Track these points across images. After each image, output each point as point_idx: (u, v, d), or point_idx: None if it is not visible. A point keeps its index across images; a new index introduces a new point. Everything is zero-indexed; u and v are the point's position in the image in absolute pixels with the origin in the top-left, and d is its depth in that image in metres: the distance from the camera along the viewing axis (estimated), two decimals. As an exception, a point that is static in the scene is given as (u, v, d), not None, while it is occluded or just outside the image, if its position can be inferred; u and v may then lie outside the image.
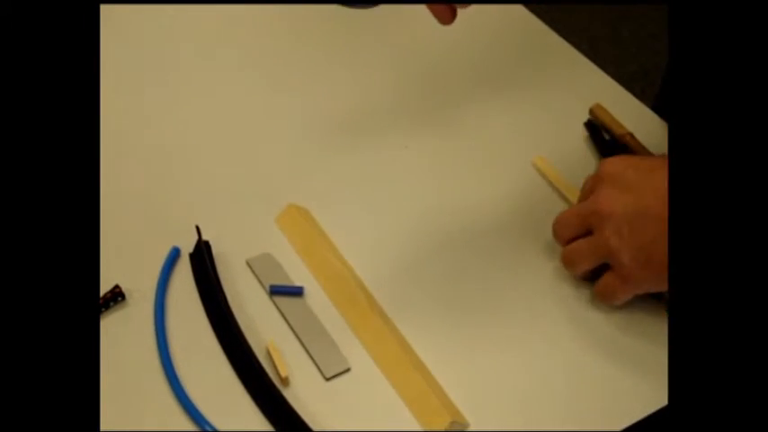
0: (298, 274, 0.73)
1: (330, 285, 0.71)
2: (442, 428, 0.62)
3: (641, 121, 0.87)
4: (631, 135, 0.85)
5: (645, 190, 0.63)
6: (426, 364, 0.67)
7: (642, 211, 0.63)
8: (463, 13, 1.03)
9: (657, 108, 0.92)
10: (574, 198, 0.77)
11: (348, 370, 0.66)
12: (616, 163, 0.67)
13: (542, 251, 0.74)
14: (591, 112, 0.88)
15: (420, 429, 0.63)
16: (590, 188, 0.69)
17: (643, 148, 0.84)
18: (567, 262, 0.70)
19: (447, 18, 0.70)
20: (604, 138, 0.85)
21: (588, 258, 0.67)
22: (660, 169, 0.63)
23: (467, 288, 0.72)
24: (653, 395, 0.64)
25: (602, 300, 0.68)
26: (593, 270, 0.68)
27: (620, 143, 0.84)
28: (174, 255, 0.73)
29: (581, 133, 0.87)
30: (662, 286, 0.65)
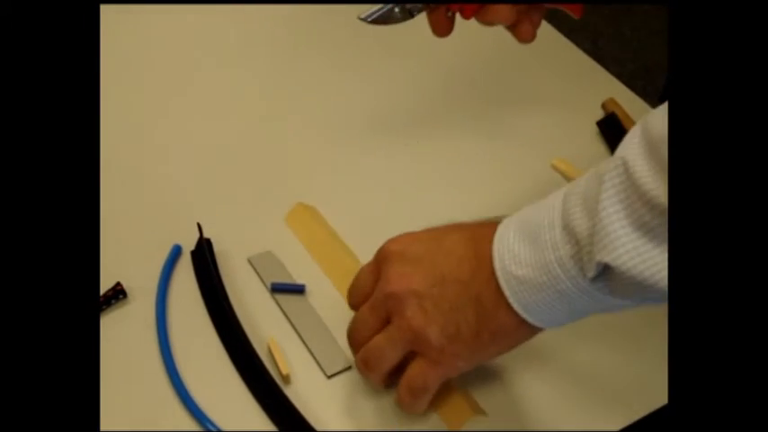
0: (299, 271, 0.73)
1: (341, 282, 0.70)
2: (465, 423, 0.61)
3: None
4: None
5: (436, 257, 0.58)
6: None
7: (440, 280, 0.57)
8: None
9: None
10: None
11: (350, 368, 0.66)
12: (396, 241, 0.61)
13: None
14: (603, 106, 0.89)
15: (419, 430, 0.63)
16: (369, 281, 0.62)
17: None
18: (368, 366, 0.61)
19: (444, 29, 0.71)
20: (619, 134, 0.85)
21: (391, 351, 0.59)
22: (445, 235, 0.60)
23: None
24: (653, 395, 0.64)
25: (411, 398, 0.60)
26: (393, 370, 0.61)
27: None
28: (176, 252, 0.73)
29: (592, 132, 0.87)
30: (474, 362, 0.60)
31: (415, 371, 0.59)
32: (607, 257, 0.50)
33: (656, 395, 0.63)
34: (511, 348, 0.59)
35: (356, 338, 0.62)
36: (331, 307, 0.70)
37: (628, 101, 0.90)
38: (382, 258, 0.61)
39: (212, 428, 0.62)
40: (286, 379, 0.65)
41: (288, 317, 0.70)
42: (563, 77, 0.91)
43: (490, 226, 0.58)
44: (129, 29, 0.98)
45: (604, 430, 0.63)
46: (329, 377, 0.66)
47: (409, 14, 0.69)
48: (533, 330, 0.57)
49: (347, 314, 0.70)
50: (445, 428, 0.63)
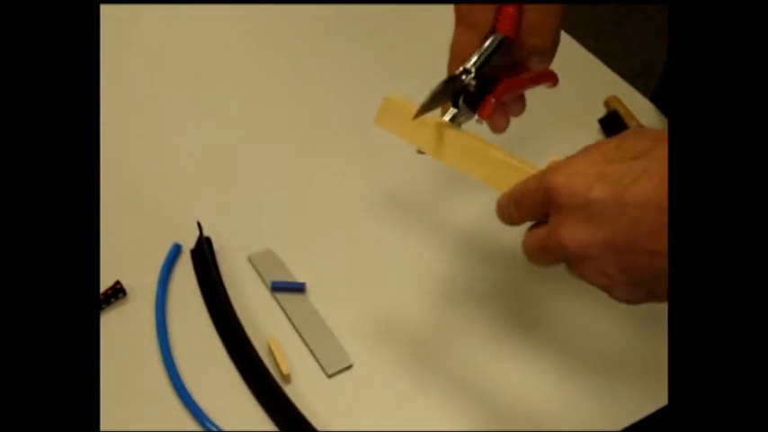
0: (300, 270, 0.73)
1: (486, 173, 0.62)
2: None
3: (645, 117, 0.87)
4: (643, 128, 0.85)
5: (620, 220, 0.49)
6: (438, 373, 0.67)
7: (628, 248, 0.50)
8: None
9: (654, 101, 0.92)
10: None
11: (350, 367, 0.66)
12: (567, 185, 0.52)
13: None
14: (605, 103, 0.89)
15: (419, 430, 0.63)
16: (536, 211, 0.55)
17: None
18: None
19: (502, 127, 0.68)
20: (620, 131, 0.85)
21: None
22: (627, 185, 0.49)
23: (480, 288, 0.72)
24: (653, 395, 0.63)
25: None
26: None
27: None
28: (176, 251, 0.73)
29: (594, 129, 0.87)
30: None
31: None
32: None
33: (656, 396, 0.63)
34: None
35: (532, 261, 0.56)
36: (332, 306, 0.70)
37: (630, 98, 0.90)
38: (551, 201, 0.52)
39: (212, 428, 0.62)
40: (286, 378, 0.65)
41: (288, 316, 0.69)
42: (565, 74, 0.91)
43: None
44: (129, 29, 0.98)
45: (605, 430, 0.63)
46: (329, 376, 0.66)
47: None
48: None
49: (347, 313, 0.70)
50: (448, 420, 0.63)
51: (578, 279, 0.53)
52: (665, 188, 0.47)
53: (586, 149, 0.53)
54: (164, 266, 0.72)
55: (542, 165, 0.80)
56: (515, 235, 0.77)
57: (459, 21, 0.67)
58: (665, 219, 0.47)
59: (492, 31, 0.65)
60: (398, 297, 0.72)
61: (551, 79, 0.72)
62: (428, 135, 0.63)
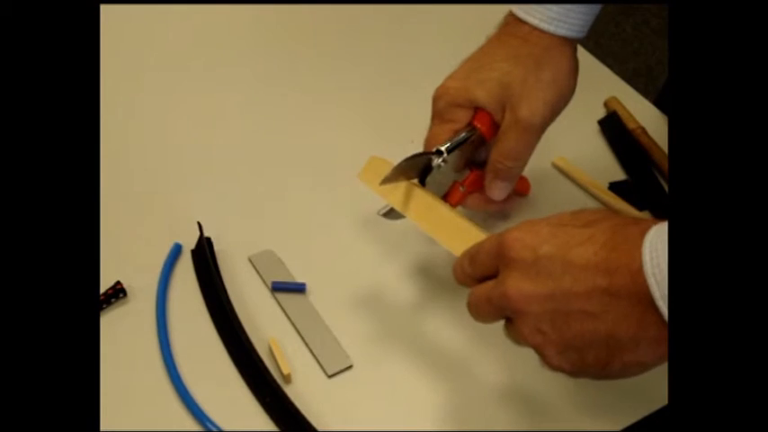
0: (300, 270, 0.73)
1: (441, 234, 0.65)
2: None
3: (646, 118, 0.87)
4: (643, 129, 0.86)
5: (562, 279, 0.52)
6: (437, 368, 0.67)
7: (564, 306, 0.52)
8: (468, 14, 1.03)
9: (658, 103, 0.92)
10: (601, 194, 0.80)
11: (350, 367, 0.66)
12: (519, 241, 0.54)
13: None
14: (605, 105, 0.89)
15: (420, 430, 0.63)
16: (487, 266, 0.57)
17: (654, 143, 0.84)
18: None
19: (477, 207, 0.72)
20: (619, 133, 0.86)
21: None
22: (572, 246, 0.52)
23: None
24: (653, 395, 0.63)
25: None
26: None
27: (632, 138, 0.85)
28: (176, 251, 0.73)
29: (594, 131, 0.87)
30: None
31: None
32: None
33: (657, 396, 0.63)
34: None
35: (474, 315, 0.58)
36: (332, 306, 0.70)
37: (629, 99, 0.90)
38: (503, 254, 0.55)
39: (212, 428, 0.62)
40: (287, 378, 0.65)
41: (288, 316, 0.69)
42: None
43: (624, 241, 0.50)
44: (129, 29, 0.98)
45: (605, 430, 0.63)
46: (330, 377, 0.66)
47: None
48: None
49: (348, 314, 0.70)
50: (448, 420, 0.63)
51: (515, 340, 0.56)
52: (604, 253, 0.50)
53: (549, 216, 0.56)
54: (164, 267, 0.72)
55: (543, 166, 0.80)
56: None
57: (437, 115, 0.70)
58: (603, 282, 0.50)
59: (469, 125, 0.69)
60: (399, 298, 0.72)
61: (523, 187, 0.78)
62: (400, 194, 0.67)
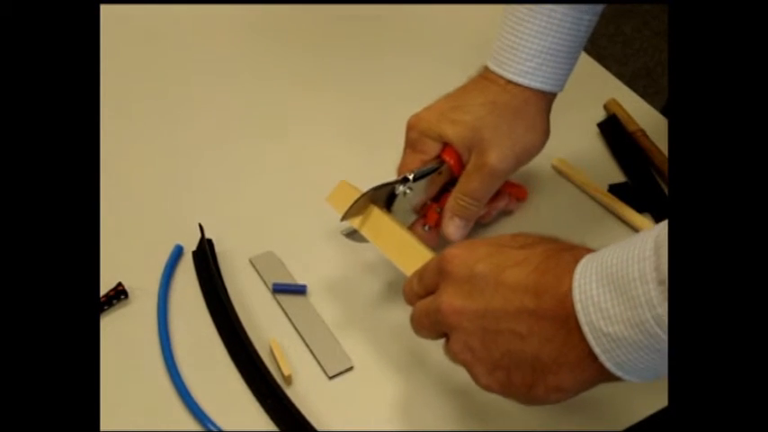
0: (300, 272, 0.73)
1: (401, 260, 0.67)
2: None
3: (646, 120, 0.87)
4: (643, 132, 0.86)
5: (493, 298, 0.54)
6: (434, 364, 0.67)
7: (494, 325, 0.54)
8: (467, 15, 1.03)
9: (665, 111, 0.92)
10: (601, 196, 0.80)
11: (351, 368, 0.67)
12: (458, 258, 0.56)
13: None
14: (605, 107, 0.90)
15: (420, 430, 0.63)
16: (430, 282, 0.59)
17: (654, 145, 0.84)
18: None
19: (454, 237, 0.73)
20: (619, 136, 0.86)
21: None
22: (506, 268, 0.54)
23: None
24: (653, 395, 0.64)
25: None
26: None
27: (632, 141, 0.85)
28: (177, 253, 0.73)
29: (593, 133, 0.87)
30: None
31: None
32: None
33: (657, 396, 0.63)
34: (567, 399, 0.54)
35: (415, 330, 0.61)
36: (332, 307, 0.71)
37: (629, 101, 0.90)
38: (442, 269, 0.57)
39: (213, 429, 0.62)
40: (287, 380, 0.65)
41: (289, 317, 0.70)
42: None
43: (556, 265, 0.52)
44: (129, 29, 0.98)
45: (604, 430, 0.63)
46: (331, 378, 0.66)
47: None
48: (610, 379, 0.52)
49: (348, 315, 0.70)
50: (448, 421, 0.63)
51: (450, 357, 0.57)
52: (535, 276, 0.52)
53: (490, 237, 0.59)
54: (165, 268, 0.72)
55: (543, 167, 0.80)
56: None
57: (409, 144, 0.73)
58: (531, 304, 0.52)
59: (438, 158, 0.72)
60: (399, 299, 0.72)
61: (520, 193, 0.79)
62: (365, 218, 0.69)
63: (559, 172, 0.83)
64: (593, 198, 0.81)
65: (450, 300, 0.55)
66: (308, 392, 0.65)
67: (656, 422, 0.63)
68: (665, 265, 0.45)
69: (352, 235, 0.71)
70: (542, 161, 0.82)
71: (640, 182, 0.82)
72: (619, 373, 0.50)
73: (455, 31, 1.01)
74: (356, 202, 0.68)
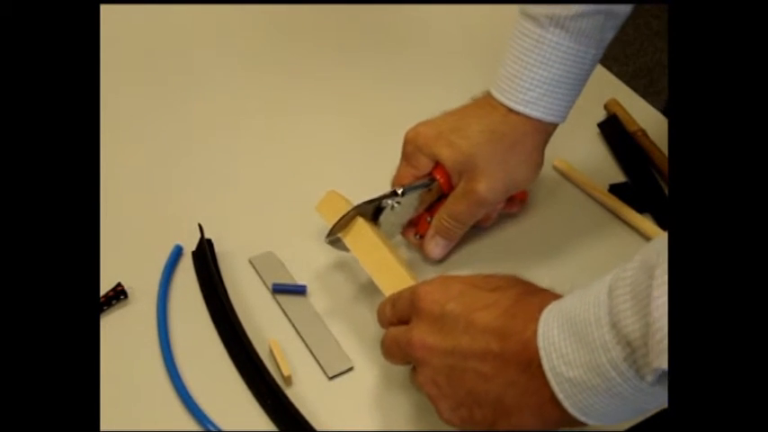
0: (300, 272, 0.73)
1: (380, 277, 0.68)
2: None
3: (646, 120, 0.87)
4: (643, 131, 0.86)
5: (462, 338, 0.55)
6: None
7: (461, 364, 0.55)
8: (468, 16, 1.03)
9: (666, 112, 0.92)
10: (601, 197, 0.80)
11: (351, 369, 0.66)
12: (431, 294, 0.57)
13: (572, 248, 0.75)
14: (606, 107, 0.89)
15: (420, 430, 0.63)
16: (403, 311, 0.60)
17: (654, 145, 0.84)
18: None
19: (436, 255, 0.74)
20: (620, 136, 0.86)
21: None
22: (477, 309, 0.55)
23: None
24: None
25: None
26: None
27: (633, 141, 0.85)
28: (177, 253, 0.73)
29: (593, 133, 0.87)
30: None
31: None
32: (666, 365, 0.45)
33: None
34: None
35: (384, 355, 0.62)
36: (332, 308, 0.71)
37: (630, 101, 0.90)
38: (415, 305, 0.58)
39: (213, 429, 0.62)
40: (287, 380, 0.65)
41: (289, 318, 0.70)
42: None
43: (523, 310, 0.54)
44: (129, 29, 0.98)
45: (606, 431, 0.63)
46: (331, 378, 0.66)
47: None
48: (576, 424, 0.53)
49: (348, 315, 0.70)
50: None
51: (417, 387, 0.59)
52: (503, 320, 0.54)
53: (464, 275, 0.60)
54: (165, 268, 0.72)
55: (543, 168, 0.80)
56: (518, 235, 0.77)
57: (404, 158, 0.74)
58: (496, 347, 0.53)
59: (429, 174, 0.73)
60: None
61: (520, 194, 0.79)
62: (351, 229, 0.70)
63: (560, 173, 0.83)
64: (593, 198, 0.80)
65: (421, 336, 0.57)
66: (307, 393, 0.65)
67: (656, 423, 0.63)
68: (618, 308, 0.47)
69: (336, 243, 0.71)
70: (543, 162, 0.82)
71: (641, 182, 0.82)
72: (582, 418, 0.51)
73: (458, 31, 1.01)
74: (343, 217, 0.69)
